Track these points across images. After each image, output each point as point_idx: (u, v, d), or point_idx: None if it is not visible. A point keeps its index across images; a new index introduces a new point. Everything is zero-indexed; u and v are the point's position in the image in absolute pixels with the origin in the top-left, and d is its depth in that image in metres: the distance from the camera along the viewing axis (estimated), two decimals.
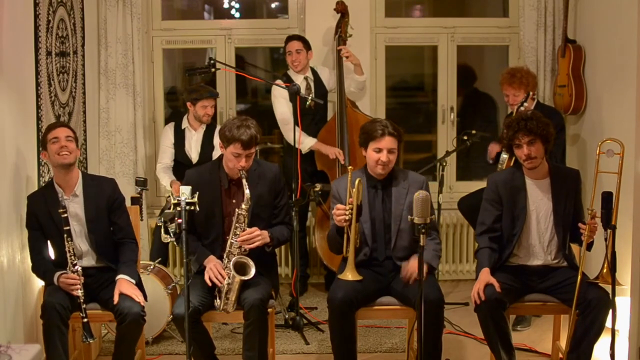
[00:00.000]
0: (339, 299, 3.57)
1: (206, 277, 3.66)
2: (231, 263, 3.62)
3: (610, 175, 3.61)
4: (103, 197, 3.77)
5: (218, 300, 3.65)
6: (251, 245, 3.68)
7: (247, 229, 3.68)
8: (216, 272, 3.64)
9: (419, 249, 3.19)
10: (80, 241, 3.74)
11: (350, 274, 3.65)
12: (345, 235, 3.68)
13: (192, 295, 3.46)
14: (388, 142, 3.68)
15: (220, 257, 3.73)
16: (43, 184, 4.14)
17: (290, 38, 5.21)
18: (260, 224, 3.75)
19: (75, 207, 3.74)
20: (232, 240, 3.69)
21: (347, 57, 5.15)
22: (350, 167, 3.82)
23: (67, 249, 3.57)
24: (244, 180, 3.66)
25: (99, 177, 3.92)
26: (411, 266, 3.62)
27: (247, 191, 3.64)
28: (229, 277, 3.61)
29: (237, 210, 3.68)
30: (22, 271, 3.87)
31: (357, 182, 3.63)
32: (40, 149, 3.84)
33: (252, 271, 3.61)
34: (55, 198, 3.66)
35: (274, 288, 3.87)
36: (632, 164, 3.97)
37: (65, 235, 3.56)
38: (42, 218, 3.68)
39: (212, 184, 3.80)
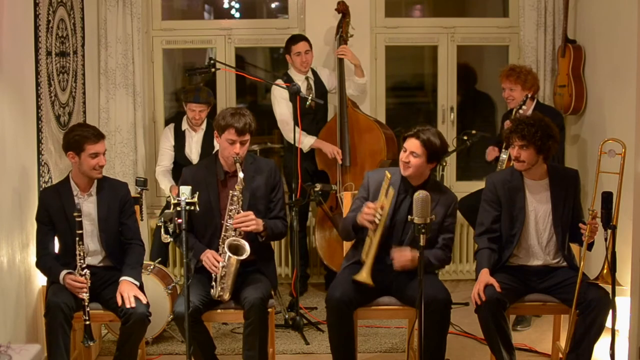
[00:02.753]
0: (336, 298, 3.56)
1: (205, 265, 3.67)
2: (225, 244, 3.63)
3: (610, 175, 3.61)
4: (116, 198, 3.80)
5: (213, 290, 3.65)
6: (246, 228, 3.66)
7: (242, 211, 3.68)
8: (212, 259, 3.66)
9: (420, 249, 3.19)
10: (89, 240, 3.75)
11: (365, 275, 3.55)
12: (368, 240, 3.62)
13: (193, 294, 3.46)
14: (411, 144, 3.63)
15: (217, 249, 3.74)
16: (43, 184, 4.14)
17: (298, 38, 5.15)
18: (257, 216, 3.73)
19: (89, 205, 3.76)
20: (227, 224, 3.69)
21: (344, 56, 5.11)
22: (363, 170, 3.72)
23: (77, 251, 3.57)
24: (237, 165, 3.67)
25: (114, 180, 3.93)
26: (401, 255, 3.59)
27: (240, 174, 3.65)
28: (224, 260, 3.62)
29: (230, 192, 3.68)
30: (22, 271, 3.87)
31: (389, 189, 3.57)
32: (67, 150, 3.70)
33: (247, 250, 3.61)
34: (70, 195, 3.69)
35: (272, 284, 3.85)
36: (632, 164, 3.97)
37: (77, 239, 3.57)
38: (55, 214, 3.69)
39: (209, 178, 3.81)
